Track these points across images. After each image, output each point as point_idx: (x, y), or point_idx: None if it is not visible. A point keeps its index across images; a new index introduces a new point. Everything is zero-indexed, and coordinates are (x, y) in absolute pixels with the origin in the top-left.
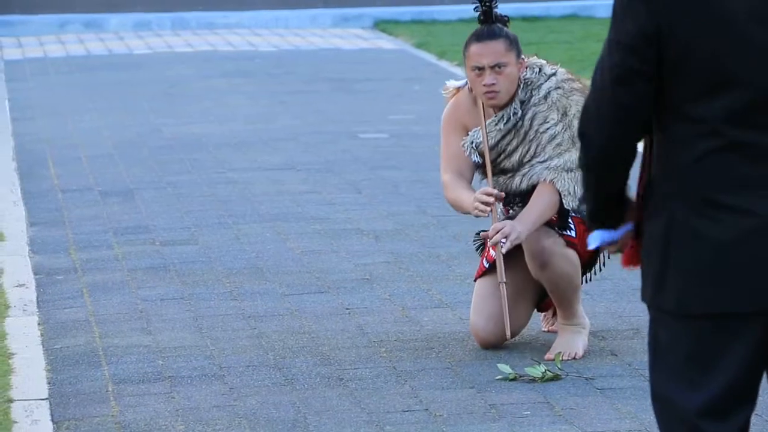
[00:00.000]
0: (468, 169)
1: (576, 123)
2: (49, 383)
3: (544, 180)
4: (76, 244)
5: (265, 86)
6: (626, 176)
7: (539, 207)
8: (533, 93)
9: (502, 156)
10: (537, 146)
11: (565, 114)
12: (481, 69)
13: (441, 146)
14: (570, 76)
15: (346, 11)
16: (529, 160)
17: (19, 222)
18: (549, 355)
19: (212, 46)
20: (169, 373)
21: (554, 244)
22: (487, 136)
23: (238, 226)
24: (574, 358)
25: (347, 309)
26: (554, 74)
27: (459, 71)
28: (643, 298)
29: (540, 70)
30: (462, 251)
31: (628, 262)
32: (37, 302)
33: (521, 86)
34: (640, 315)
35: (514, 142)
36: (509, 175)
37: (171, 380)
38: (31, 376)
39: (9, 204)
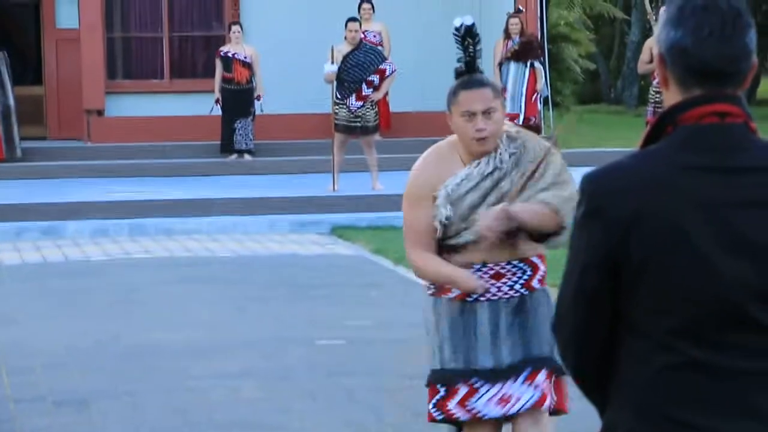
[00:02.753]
0: (434, 243)
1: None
2: None
3: (544, 202)
4: None
5: (222, 292)
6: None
7: (538, 207)
8: (515, 142)
9: (484, 205)
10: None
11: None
12: (472, 114)
13: (406, 223)
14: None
15: (304, 217)
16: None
17: None
18: None
19: (170, 251)
20: None
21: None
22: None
23: None
24: None
25: None
26: (527, 133)
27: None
28: None
29: (517, 129)
30: None
31: None
32: None
33: (504, 136)
34: None
35: (504, 185)
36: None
37: None
38: None
39: None
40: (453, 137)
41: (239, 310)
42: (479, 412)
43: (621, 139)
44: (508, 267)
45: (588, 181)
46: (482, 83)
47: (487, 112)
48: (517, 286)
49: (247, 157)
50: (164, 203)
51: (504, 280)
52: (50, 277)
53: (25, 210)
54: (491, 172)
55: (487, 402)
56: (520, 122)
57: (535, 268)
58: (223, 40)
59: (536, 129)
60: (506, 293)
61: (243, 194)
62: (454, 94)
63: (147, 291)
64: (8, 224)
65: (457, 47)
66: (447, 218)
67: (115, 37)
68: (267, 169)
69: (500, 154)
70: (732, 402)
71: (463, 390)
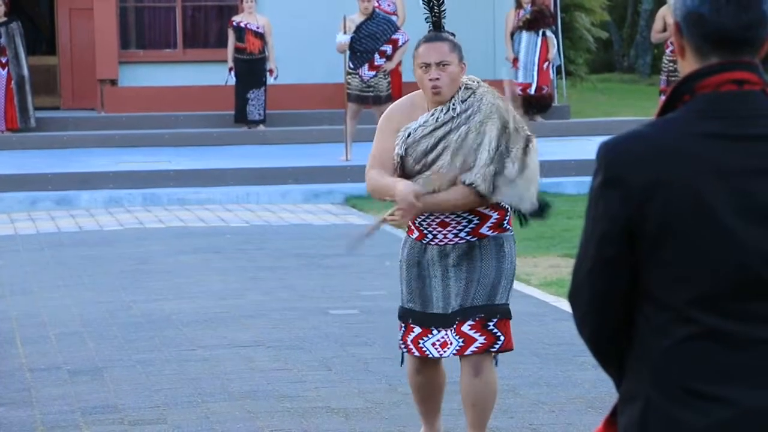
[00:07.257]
0: (390, 167)
1: (515, 136)
2: None
3: (463, 182)
4: (44, 425)
5: (235, 262)
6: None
7: (445, 196)
8: (472, 95)
9: (435, 152)
10: (474, 147)
11: (505, 127)
12: (427, 66)
13: (373, 144)
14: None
15: (317, 187)
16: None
17: None
18: None
19: (183, 222)
20: None
21: (488, 358)
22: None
23: (207, 404)
24: None
25: None
26: (487, 87)
27: None
28: None
29: (478, 82)
30: None
31: None
32: None
33: (462, 88)
34: None
35: (452, 137)
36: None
37: None
38: None
39: None
40: None
41: (252, 280)
42: (427, 351)
43: (634, 107)
44: (453, 216)
45: (605, 150)
46: (441, 38)
47: (441, 64)
48: (463, 234)
49: (260, 127)
50: (177, 173)
51: (449, 228)
52: (64, 247)
53: (39, 180)
54: (445, 122)
55: (432, 345)
56: (533, 91)
57: (483, 217)
58: (236, 10)
59: (549, 98)
60: (452, 240)
61: (256, 164)
62: (416, 48)
63: (160, 261)
64: (23, 194)
65: (424, 8)
66: (399, 155)
67: (128, 6)
68: (280, 139)
69: (453, 104)
70: (752, 372)
71: (417, 330)
